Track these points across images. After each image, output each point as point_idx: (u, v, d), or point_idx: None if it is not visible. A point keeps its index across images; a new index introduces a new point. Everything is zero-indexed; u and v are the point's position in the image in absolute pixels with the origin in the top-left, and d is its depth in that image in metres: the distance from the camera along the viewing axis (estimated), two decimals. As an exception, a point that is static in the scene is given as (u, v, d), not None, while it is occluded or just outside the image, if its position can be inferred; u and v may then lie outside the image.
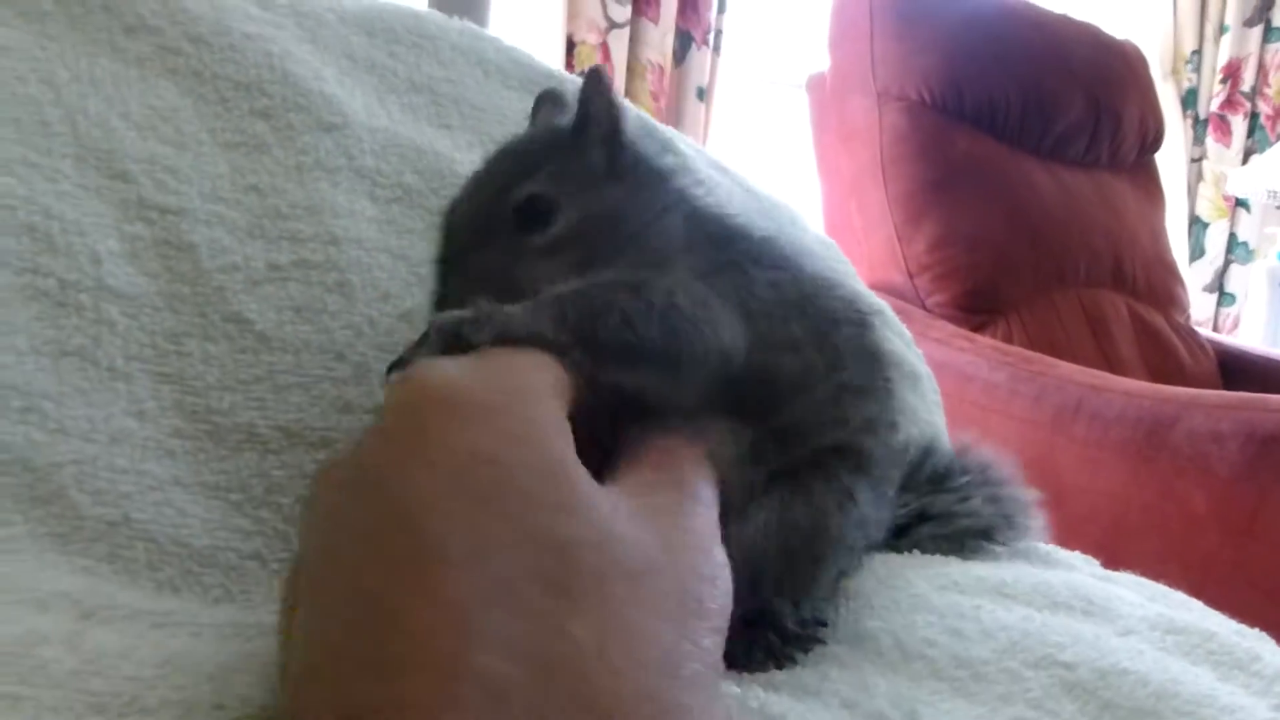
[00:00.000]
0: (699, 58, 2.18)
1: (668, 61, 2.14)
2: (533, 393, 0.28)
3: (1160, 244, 1.95)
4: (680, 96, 2.18)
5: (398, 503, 0.24)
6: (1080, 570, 0.46)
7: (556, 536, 0.24)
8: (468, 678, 0.21)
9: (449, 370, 0.27)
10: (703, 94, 2.19)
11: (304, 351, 0.40)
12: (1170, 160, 2.74)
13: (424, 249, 0.45)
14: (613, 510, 0.26)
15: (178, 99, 0.40)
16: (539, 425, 0.27)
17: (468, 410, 0.26)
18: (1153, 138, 1.93)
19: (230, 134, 0.41)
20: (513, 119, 0.53)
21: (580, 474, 0.26)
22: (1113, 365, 1.69)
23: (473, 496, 0.24)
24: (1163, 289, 1.89)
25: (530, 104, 0.56)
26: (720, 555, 0.27)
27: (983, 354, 1.46)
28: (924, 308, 1.65)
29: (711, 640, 0.25)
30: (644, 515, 0.27)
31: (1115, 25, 1.92)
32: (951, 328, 1.55)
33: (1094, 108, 1.82)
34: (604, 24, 2.07)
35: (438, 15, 0.53)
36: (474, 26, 0.54)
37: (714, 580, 0.26)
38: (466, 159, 0.48)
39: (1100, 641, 0.33)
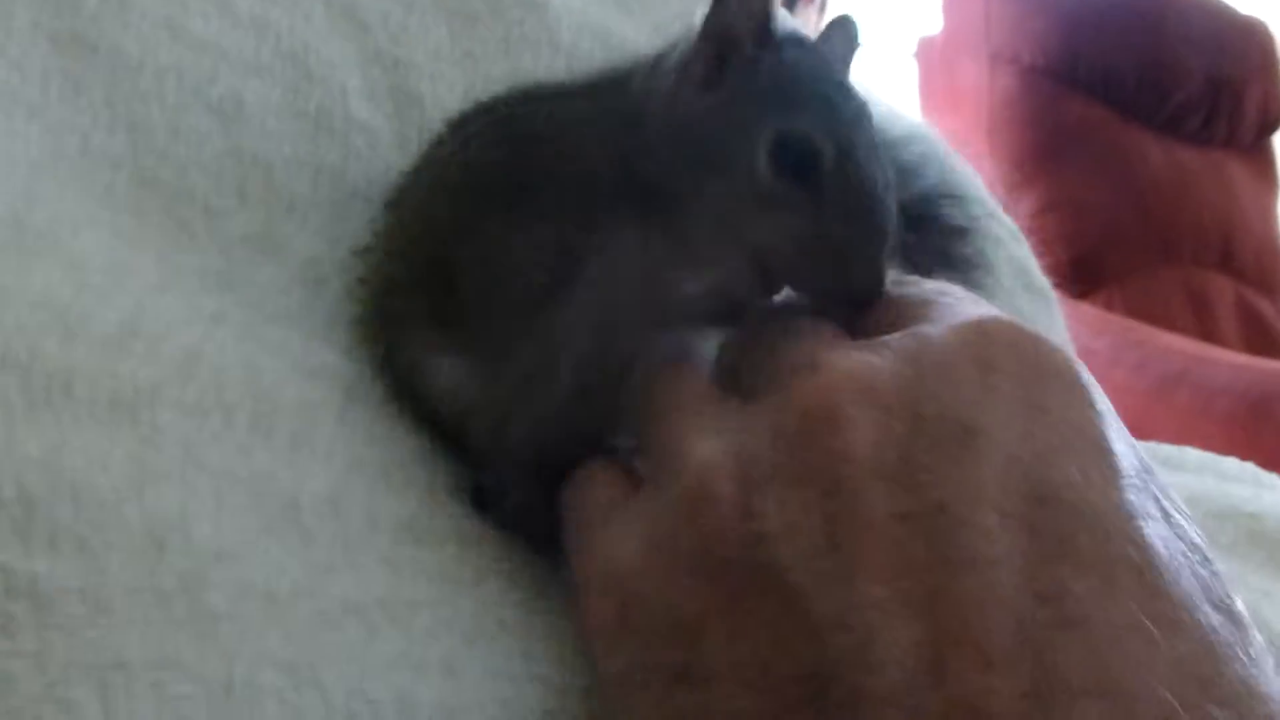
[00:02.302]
0: (804, 16, 2.18)
1: (775, 20, 2.14)
2: None
3: (1271, 228, 1.91)
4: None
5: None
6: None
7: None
8: None
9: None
10: (807, 55, 2.19)
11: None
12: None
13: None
14: None
15: (406, -38, 0.43)
16: None
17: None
18: (1273, 118, 1.88)
19: (450, 2, 0.44)
20: (677, 6, 0.55)
21: None
22: (1213, 345, 1.67)
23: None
24: (1272, 274, 1.85)
25: None
26: None
27: (1084, 321, 1.45)
28: (1024, 275, 1.65)
29: None
30: None
31: (1242, 2, 1.87)
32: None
33: (1213, 84, 1.78)
34: (714, -21, 2.08)
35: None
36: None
37: None
38: (646, 42, 0.51)
39: (1281, 499, 0.35)
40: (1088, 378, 0.24)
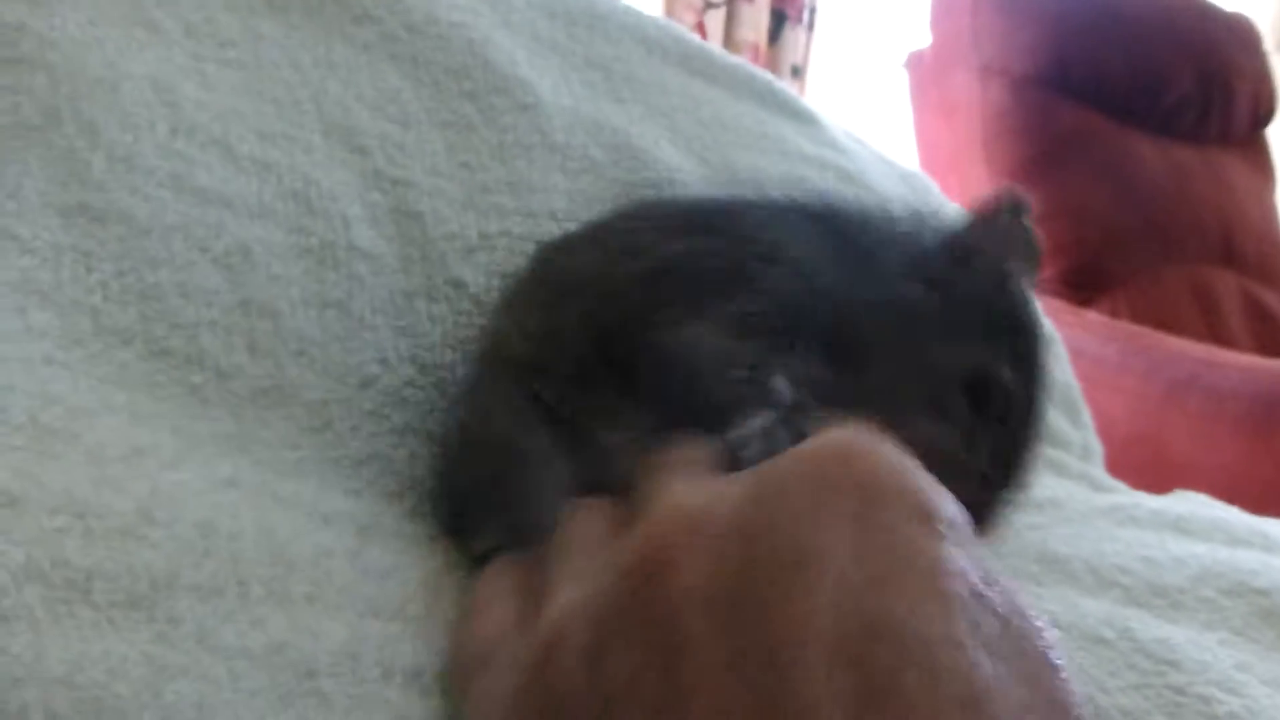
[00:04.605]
0: (793, 36, 2.19)
1: (763, 40, 2.15)
2: None
3: (1270, 220, 1.90)
4: (774, 75, 2.19)
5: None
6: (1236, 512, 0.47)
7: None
8: None
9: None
10: (797, 72, 2.20)
11: (508, 316, 0.44)
12: (1281, 134, 2.66)
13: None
14: None
15: (399, 81, 0.44)
16: None
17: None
18: (1265, 111, 1.88)
19: (444, 114, 0.45)
20: (673, 91, 0.56)
21: None
22: (1222, 342, 1.66)
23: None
24: (1273, 266, 1.85)
25: (685, 78, 0.59)
26: None
27: (1091, 329, 1.45)
28: (1026, 284, 1.65)
29: None
30: None
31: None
32: (1057, 303, 1.54)
33: (1204, 81, 1.78)
34: (700, 3, 2.09)
35: (604, -6, 0.56)
36: (634, 7, 0.58)
37: None
38: (638, 130, 0.52)
39: (1291, 570, 0.35)
40: (930, 491, 0.23)
